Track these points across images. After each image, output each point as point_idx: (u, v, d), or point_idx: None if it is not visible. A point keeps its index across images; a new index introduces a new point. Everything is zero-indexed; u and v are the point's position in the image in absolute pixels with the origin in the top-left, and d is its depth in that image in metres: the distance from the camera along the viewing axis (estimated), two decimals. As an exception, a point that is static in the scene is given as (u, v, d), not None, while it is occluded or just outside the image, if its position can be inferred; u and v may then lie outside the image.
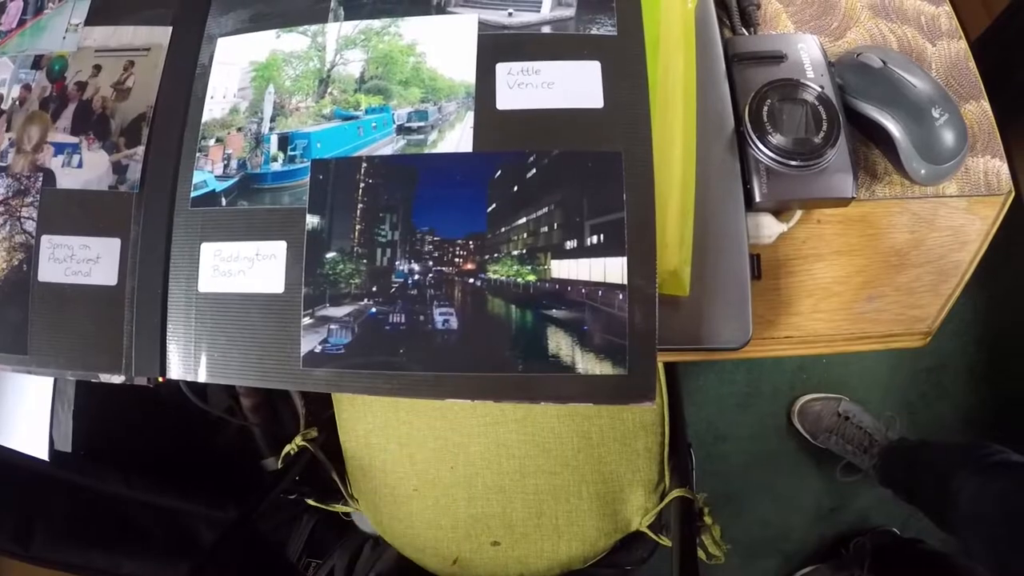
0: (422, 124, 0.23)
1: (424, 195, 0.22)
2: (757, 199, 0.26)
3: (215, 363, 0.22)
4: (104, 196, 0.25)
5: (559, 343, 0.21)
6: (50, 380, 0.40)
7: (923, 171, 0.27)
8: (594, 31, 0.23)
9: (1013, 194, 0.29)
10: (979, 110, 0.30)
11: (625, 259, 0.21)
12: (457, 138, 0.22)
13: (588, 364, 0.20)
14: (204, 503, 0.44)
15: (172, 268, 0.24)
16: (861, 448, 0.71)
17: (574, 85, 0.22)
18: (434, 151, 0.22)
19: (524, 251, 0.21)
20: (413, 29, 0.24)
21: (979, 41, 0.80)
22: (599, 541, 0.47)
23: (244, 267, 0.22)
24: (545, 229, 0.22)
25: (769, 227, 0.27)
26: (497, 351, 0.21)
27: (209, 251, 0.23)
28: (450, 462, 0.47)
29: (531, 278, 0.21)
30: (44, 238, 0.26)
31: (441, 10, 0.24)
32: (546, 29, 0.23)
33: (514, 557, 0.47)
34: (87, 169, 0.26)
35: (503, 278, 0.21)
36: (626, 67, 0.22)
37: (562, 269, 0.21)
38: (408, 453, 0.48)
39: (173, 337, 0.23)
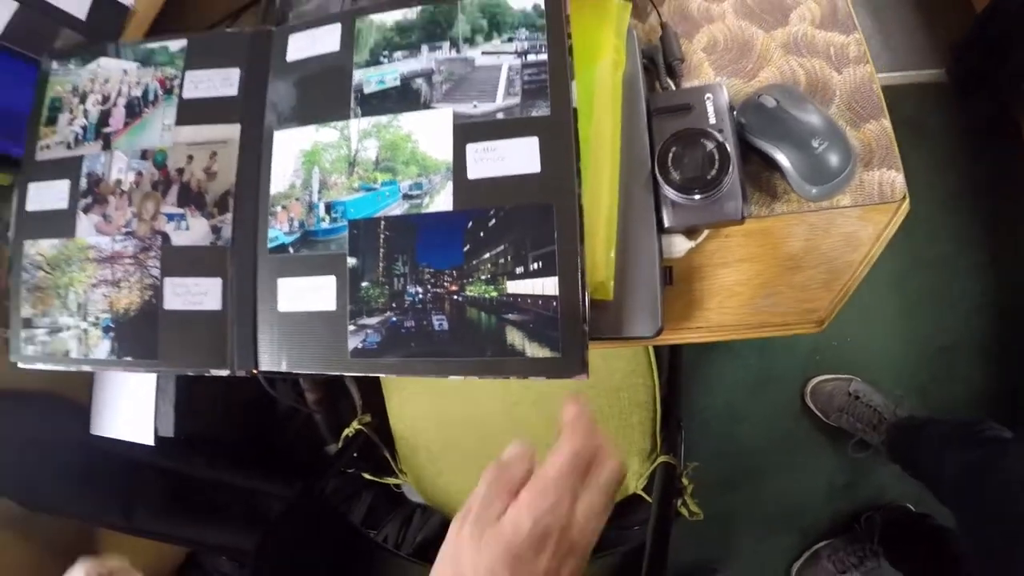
0: (419, 192, 0.37)
1: (423, 241, 0.36)
2: (667, 224, 0.38)
3: (291, 359, 0.38)
4: (207, 249, 0.41)
5: (514, 337, 0.35)
6: (152, 380, 0.59)
7: (813, 191, 0.38)
8: (533, 113, 0.36)
9: (907, 200, 0.39)
10: (879, 128, 0.41)
11: (556, 278, 0.34)
12: (442, 201, 0.36)
13: (534, 350, 0.34)
14: (276, 483, 0.62)
15: (259, 296, 0.39)
16: (871, 425, 0.82)
17: (519, 156, 0.35)
18: (428, 211, 0.36)
19: (488, 276, 0.36)
20: (409, 122, 0.38)
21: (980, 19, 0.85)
22: None
23: (307, 294, 0.38)
24: (502, 260, 0.35)
25: (680, 244, 0.39)
26: (474, 343, 0.35)
27: (284, 284, 0.38)
28: (479, 438, 0.64)
29: (494, 294, 0.35)
30: (167, 280, 0.42)
31: (427, 106, 0.37)
32: (499, 115, 0.36)
33: None
34: (192, 231, 0.42)
35: (475, 295, 0.36)
36: (557, 138, 0.35)
37: (515, 287, 0.35)
38: (445, 433, 0.68)
39: (262, 342, 0.39)
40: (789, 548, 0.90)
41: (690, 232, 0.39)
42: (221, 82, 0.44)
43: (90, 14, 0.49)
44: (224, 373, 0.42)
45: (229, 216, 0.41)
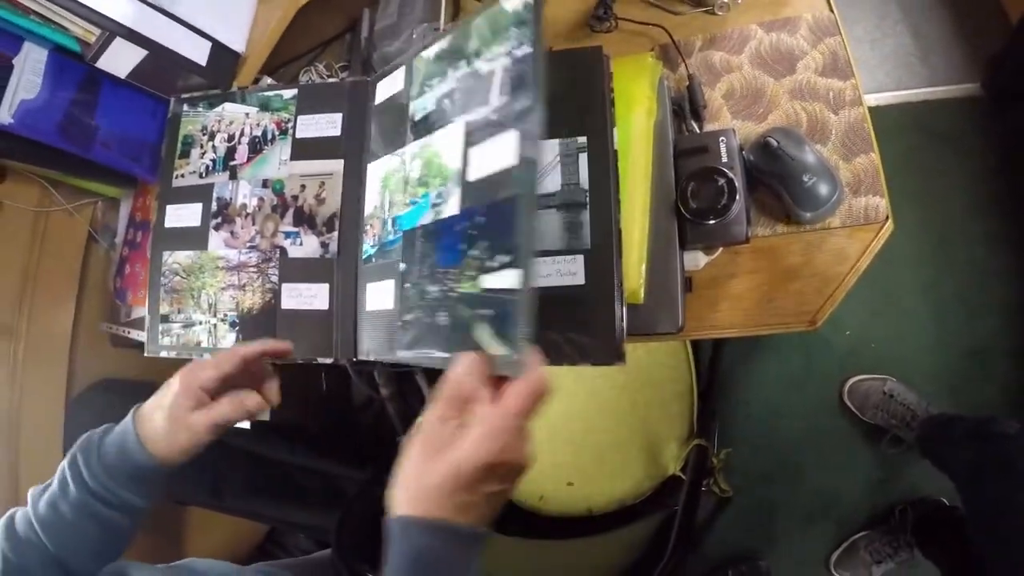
0: (439, 200, 0.55)
1: (440, 244, 0.54)
2: (687, 243, 0.55)
3: (371, 350, 0.56)
4: (317, 260, 0.61)
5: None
6: None
7: (804, 215, 0.55)
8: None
9: (889, 221, 0.56)
10: (867, 161, 0.57)
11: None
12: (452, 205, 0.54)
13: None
14: (352, 468, 0.82)
15: (357, 298, 0.58)
16: (904, 423, 0.99)
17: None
18: (442, 216, 0.53)
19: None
20: (437, 140, 0.56)
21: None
22: (644, 482, 0.81)
23: (379, 295, 0.57)
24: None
25: (699, 259, 0.57)
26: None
27: (369, 288, 0.57)
28: (547, 425, 0.81)
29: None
30: (284, 285, 0.62)
31: (446, 123, 0.54)
32: (494, 116, 0.54)
33: (583, 495, 0.84)
34: (305, 246, 0.61)
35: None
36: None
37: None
38: None
39: (359, 336, 0.57)
40: (827, 538, 1.09)
41: (707, 249, 0.57)
42: (327, 124, 0.64)
43: (209, 60, 0.68)
44: (328, 361, 0.61)
45: (335, 234, 0.62)
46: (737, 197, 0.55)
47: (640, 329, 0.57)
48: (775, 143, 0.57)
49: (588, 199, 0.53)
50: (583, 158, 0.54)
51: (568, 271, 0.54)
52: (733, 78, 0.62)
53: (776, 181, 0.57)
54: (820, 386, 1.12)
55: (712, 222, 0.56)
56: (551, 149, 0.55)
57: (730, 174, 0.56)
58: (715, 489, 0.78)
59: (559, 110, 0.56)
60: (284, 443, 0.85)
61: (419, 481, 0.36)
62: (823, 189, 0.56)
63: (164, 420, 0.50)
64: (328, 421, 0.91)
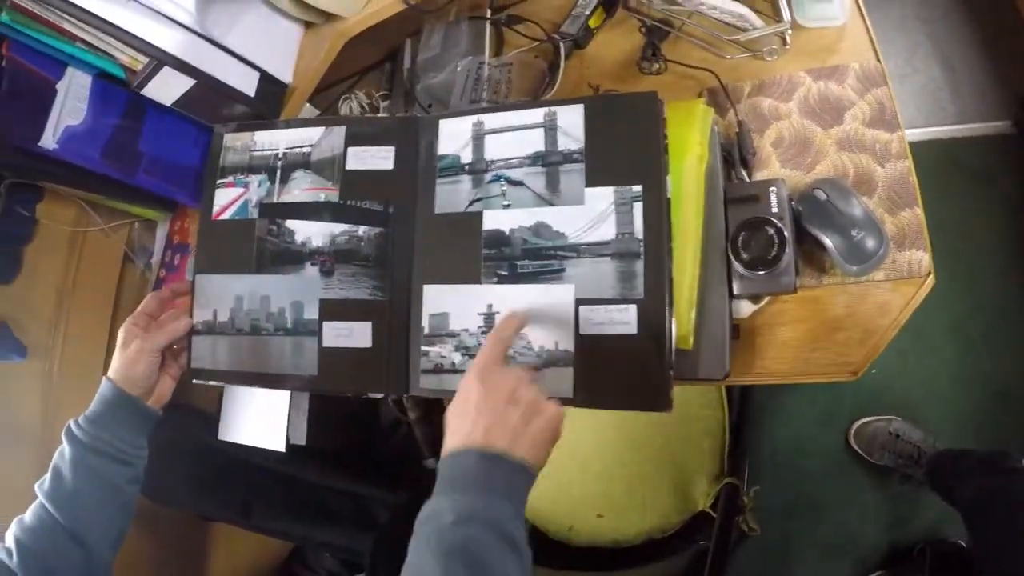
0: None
1: None
2: (735, 292, 0.56)
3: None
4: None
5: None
6: (284, 395, 0.78)
7: (851, 269, 0.55)
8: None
9: (931, 276, 0.56)
10: (912, 215, 0.58)
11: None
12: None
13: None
14: (381, 490, 0.82)
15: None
16: (912, 460, 1.01)
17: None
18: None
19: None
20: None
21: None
22: (673, 517, 0.82)
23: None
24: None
25: (746, 307, 0.57)
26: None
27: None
28: (568, 455, 0.82)
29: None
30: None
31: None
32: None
33: (612, 526, 0.84)
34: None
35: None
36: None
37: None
38: None
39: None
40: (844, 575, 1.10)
41: (754, 298, 0.57)
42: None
43: (257, 91, 0.68)
44: (379, 395, 0.62)
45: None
46: (787, 249, 0.55)
47: (686, 374, 0.57)
48: (824, 195, 0.58)
49: (643, 249, 0.53)
50: (638, 207, 0.54)
51: (621, 320, 0.54)
52: (782, 126, 0.62)
53: (823, 233, 0.57)
54: (845, 423, 1.13)
55: (761, 273, 0.56)
56: (606, 197, 0.55)
57: (780, 225, 0.56)
58: (743, 527, 0.79)
59: (613, 156, 0.57)
60: (314, 464, 0.85)
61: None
62: (870, 243, 0.56)
63: (120, 359, 0.60)
64: (357, 443, 0.91)
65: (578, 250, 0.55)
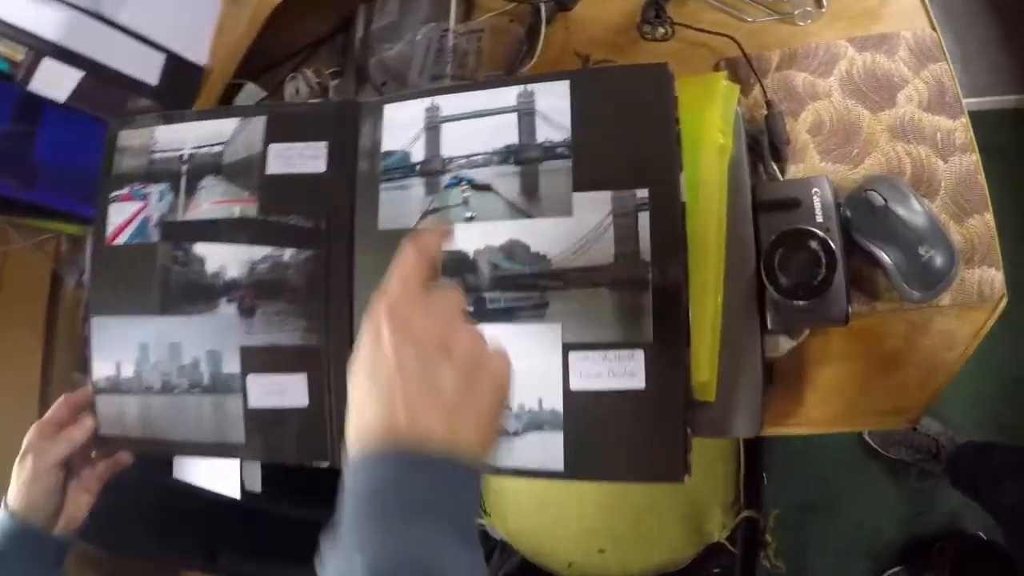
0: None
1: None
2: (769, 326, 0.41)
3: None
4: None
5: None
6: None
7: (914, 295, 0.40)
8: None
9: (1004, 298, 0.42)
10: (982, 223, 0.43)
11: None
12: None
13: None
14: None
15: None
16: (930, 454, 0.90)
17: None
18: None
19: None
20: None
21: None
22: (685, 550, 0.68)
23: None
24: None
25: (782, 344, 0.42)
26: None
27: None
28: (565, 485, 0.67)
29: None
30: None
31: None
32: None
33: (616, 562, 0.70)
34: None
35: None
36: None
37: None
38: (534, 483, 0.70)
39: None
40: (863, 573, 0.98)
41: (793, 331, 0.42)
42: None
43: (162, 78, 0.49)
44: (325, 464, 0.45)
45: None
46: (837, 270, 0.40)
47: (708, 430, 0.41)
48: (881, 200, 0.41)
49: (652, 276, 0.37)
50: (644, 219, 0.37)
51: (625, 371, 0.37)
52: (821, 107, 0.45)
53: (880, 248, 0.41)
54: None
55: (804, 301, 0.41)
56: (601, 206, 0.38)
57: (828, 239, 0.40)
58: (766, 563, 0.66)
59: (610, 150, 0.39)
60: (283, 497, 0.69)
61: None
62: (939, 262, 0.40)
63: (16, 479, 0.44)
64: (333, 473, 0.75)
65: (566, 278, 0.38)
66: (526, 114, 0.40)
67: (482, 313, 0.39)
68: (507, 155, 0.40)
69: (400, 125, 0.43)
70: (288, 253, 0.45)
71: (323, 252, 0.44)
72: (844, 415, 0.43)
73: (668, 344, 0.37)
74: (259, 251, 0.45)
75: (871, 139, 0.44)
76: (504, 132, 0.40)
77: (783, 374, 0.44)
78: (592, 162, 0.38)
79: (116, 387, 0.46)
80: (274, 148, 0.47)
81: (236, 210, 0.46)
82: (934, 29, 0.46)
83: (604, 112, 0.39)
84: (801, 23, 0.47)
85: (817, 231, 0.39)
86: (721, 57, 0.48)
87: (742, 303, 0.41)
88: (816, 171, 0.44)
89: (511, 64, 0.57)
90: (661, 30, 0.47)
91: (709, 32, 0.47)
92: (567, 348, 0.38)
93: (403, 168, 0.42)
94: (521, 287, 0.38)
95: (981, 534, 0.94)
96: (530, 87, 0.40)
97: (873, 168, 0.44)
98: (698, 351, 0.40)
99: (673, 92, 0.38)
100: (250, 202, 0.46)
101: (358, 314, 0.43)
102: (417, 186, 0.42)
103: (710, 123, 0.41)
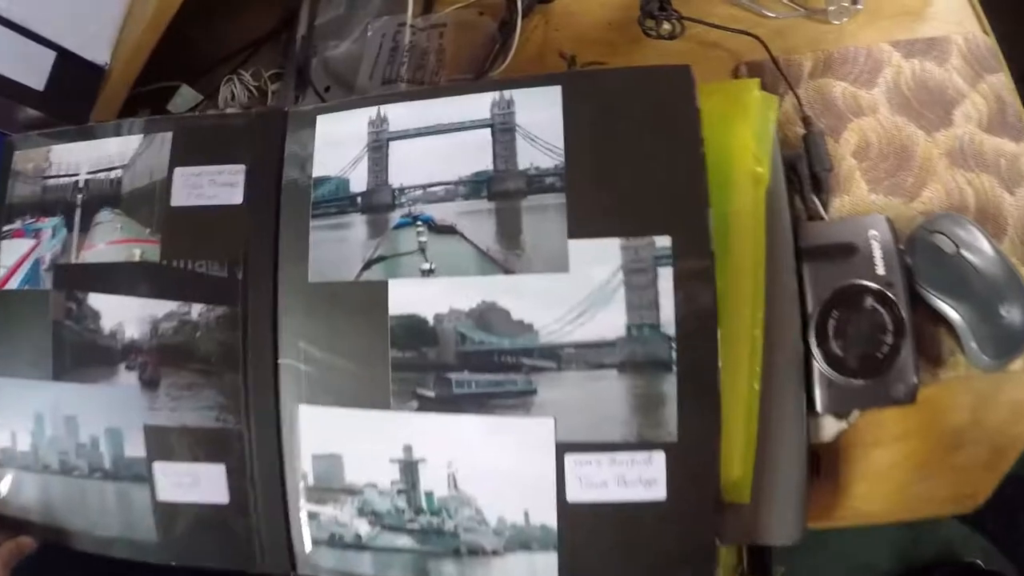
0: None
1: None
2: (818, 409, 0.32)
3: None
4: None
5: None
6: None
7: (986, 360, 0.32)
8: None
9: None
10: None
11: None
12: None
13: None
14: None
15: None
16: None
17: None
18: None
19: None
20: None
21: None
22: None
23: None
24: None
25: (829, 427, 0.33)
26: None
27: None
28: None
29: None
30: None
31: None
32: None
33: None
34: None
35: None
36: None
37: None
38: None
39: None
40: None
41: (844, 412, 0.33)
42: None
43: (50, 83, 0.36)
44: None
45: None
46: (906, 336, 0.31)
47: (738, 536, 0.31)
48: (953, 246, 0.33)
49: (676, 354, 0.27)
50: (665, 275, 0.27)
51: (640, 479, 0.27)
52: (866, 125, 0.36)
53: (948, 303, 0.32)
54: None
55: (863, 381, 0.31)
56: (605, 259, 0.27)
57: (894, 298, 0.31)
58: None
59: (618, 180, 0.28)
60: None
61: None
62: (1016, 330, 0.31)
63: None
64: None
65: (560, 356, 0.27)
66: (503, 130, 0.29)
67: (445, 400, 0.28)
68: (478, 186, 0.29)
69: (336, 143, 0.32)
70: (196, 310, 0.34)
71: (238, 310, 0.33)
72: (899, 506, 0.34)
73: (697, 443, 0.27)
74: (162, 306, 0.34)
75: (927, 165, 0.35)
76: (474, 155, 0.29)
77: (825, 460, 0.34)
78: (593, 197, 0.28)
79: (12, 460, 0.35)
80: (181, 174, 0.35)
81: (136, 252, 0.35)
82: (987, 33, 0.39)
83: (608, 129, 0.29)
84: (836, 21, 0.38)
85: (883, 290, 0.31)
86: (741, 61, 0.38)
87: (784, 379, 0.31)
88: (866, 205, 0.35)
89: (479, 66, 0.46)
90: (667, 26, 0.37)
91: (727, 29, 0.37)
92: (562, 449, 0.27)
93: (339, 201, 0.31)
94: (500, 367, 0.28)
95: (979, 562, 0.89)
96: (508, 94, 0.29)
97: (933, 201, 0.35)
98: (730, 443, 0.30)
99: (696, 103, 0.29)
100: (151, 242, 0.34)
101: (286, 391, 0.31)
102: (357, 225, 0.31)
103: (741, 145, 0.31)
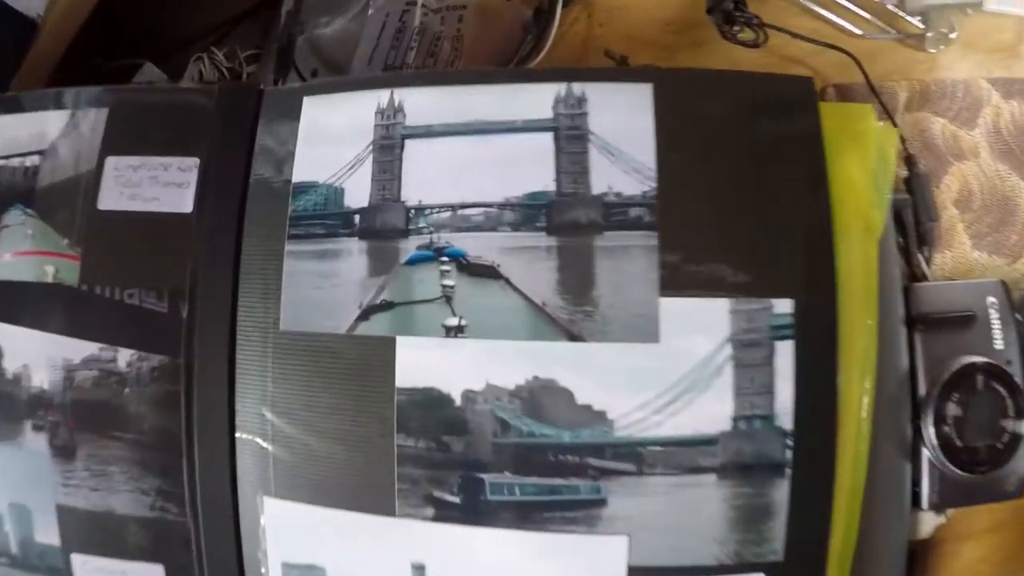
0: None
1: None
2: (924, 505, 0.25)
3: None
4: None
5: None
6: None
7: None
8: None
9: None
10: None
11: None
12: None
13: None
14: None
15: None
16: None
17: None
18: None
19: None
20: None
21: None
22: None
23: None
24: None
25: (927, 523, 0.27)
26: None
27: None
28: None
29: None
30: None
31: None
32: None
33: None
34: None
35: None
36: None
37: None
38: None
39: None
40: None
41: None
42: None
43: None
44: None
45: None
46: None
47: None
48: None
49: (793, 454, 0.19)
50: (784, 351, 0.19)
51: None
52: (967, 171, 0.30)
53: None
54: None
55: (982, 471, 0.26)
56: (709, 326, 0.19)
57: (1018, 380, 0.26)
58: None
59: (729, 217, 0.20)
60: None
61: None
62: None
63: None
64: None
65: (640, 456, 0.19)
66: (571, 138, 0.21)
67: (474, 509, 0.20)
68: (532, 213, 0.21)
69: (328, 137, 0.23)
70: (124, 357, 0.24)
71: (181, 361, 0.23)
72: (986, 609, 0.30)
73: (805, 560, 0.20)
74: (79, 348, 0.24)
75: None
76: (528, 168, 0.21)
77: (918, 559, 0.29)
78: (695, 239, 0.20)
79: None
80: (114, 165, 0.25)
81: (49, 270, 0.25)
82: (1079, 75, 0.35)
83: (717, 148, 0.21)
84: (932, 49, 0.32)
85: (1007, 370, 0.25)
86: (828, 83, 0.31)
87: (890, 473, 0.24)
88: (968, 264, 0.29)
89: (506, 61, 0.39)
90: (748, 34, 0.31)
91: (816, 43, 0.30)
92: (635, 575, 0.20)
93: (328, 218, 0.22)
94: (555, 469, 0.19)
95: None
96: (580, 88, 0.21)
97: (1038, 264, 0.32)
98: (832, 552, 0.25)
99: (820, 127, 0.22)
100: (70, 258, 0.24)
101: (245, 477, 0.22)
102: (354, 255, 0.22)
103: (850, 184, 0.25)
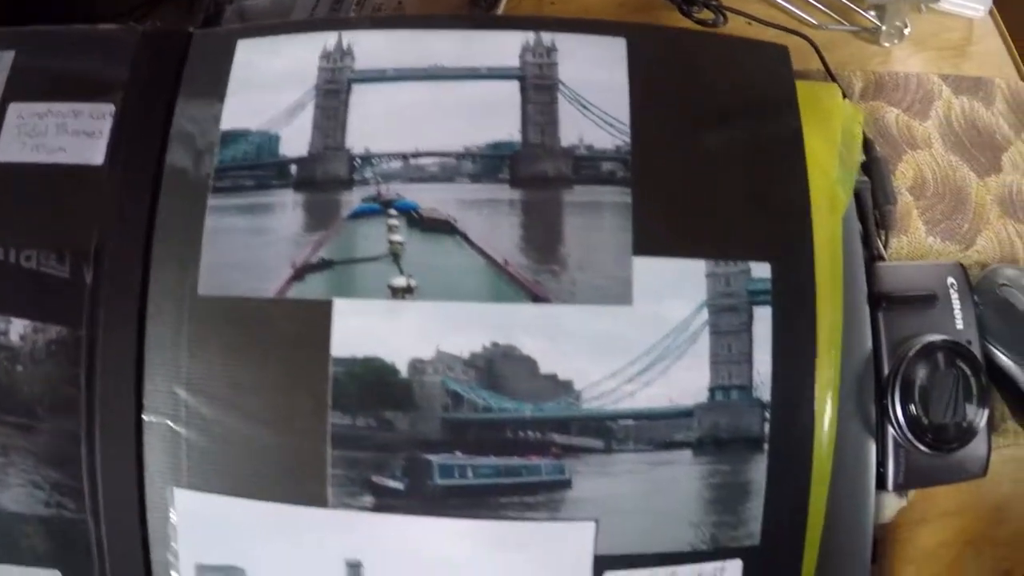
0: None
1: None
2: (889, 485, 0.24)
3: None
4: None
5: None
6: None
7: None
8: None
9: None
10: None
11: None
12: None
13: None
14: None
15: None
16: None
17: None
18: None
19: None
20: None
21: None
22: None
23: None
24: None
25: (890, 506, 0.25)
26: None
27: None
28: None
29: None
30: None
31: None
32: None
33: None
34: None
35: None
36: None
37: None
38: None
39: None
40: None
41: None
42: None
43: None
44: None
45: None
46: (987, 405, 0.25)
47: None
48: (1022, 300, 0.28)
49: (769, 428, 0.17)
50: (762, 317, 0.17)
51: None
52: (922, 160, 0.29)
53: (1016, 361, 0.28)
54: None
55: (948, 450, 0.25)
56: (689, 287, 0.17)
57: (977, 354, 0.25)
58: None
59: (706, 177, 0.18)
60: None
61: None
62: None
63: None
64: None
65: (610, 431, 0.16)
66: (539, 87, 0.18)
67: (421, 495, 0.16)
68: (494, 163, 0.18)
69: (264, 83, 0.19)
70: (17, 328, 0.19)
71: (82, 333, 0.18)
72: (948, 590, 0.29)
73: (782, 546, 0.18)
74: None
75: (980, 212, 0.29)
76: (491, 116, 0.18)
77: (879, 544, 0.28)
78: (672, 198, 0.18)
79: None
80: (17, 112, 0.20)
81: None
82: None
83: (694, 107, 0.19)
84: (886, 43, 0.31)
85: (969, 349, 0.24)
86: (787, 68, 0.32)
87: (856, 454, 0.23)
88: (924, 248, 0.28)
89: None
90: (708, 15, 0.30)
91: (776, 27, 0.28)
92: (604, 565, 0.17)
93: (259, 168, 0.18)
94: (515, 447, 0.16)
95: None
96: (549, 38, 0.18)
97: (986, 251, 0.29)
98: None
99: (796, 95, 0.20)
100: None
101: (153, 466, 0.17)
102: (287, 208, 0.18)
103: (820, 163, 0.24)
